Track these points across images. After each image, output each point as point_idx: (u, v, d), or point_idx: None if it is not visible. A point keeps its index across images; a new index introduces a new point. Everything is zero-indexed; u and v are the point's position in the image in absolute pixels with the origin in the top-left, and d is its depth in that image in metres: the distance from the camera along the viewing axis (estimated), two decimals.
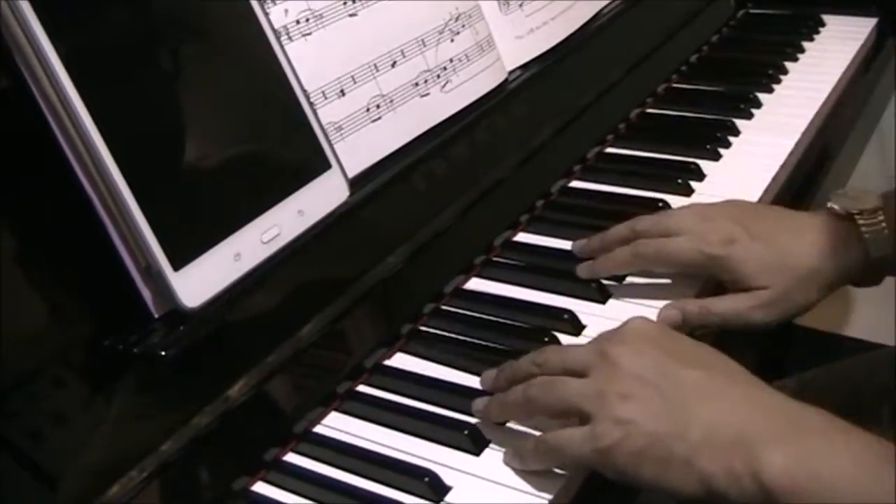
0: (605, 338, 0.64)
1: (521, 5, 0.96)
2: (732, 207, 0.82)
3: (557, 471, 0.63)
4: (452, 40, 0.87)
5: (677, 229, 0.79)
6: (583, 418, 0.60)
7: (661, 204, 0.90)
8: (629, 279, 0.81)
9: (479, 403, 0.68)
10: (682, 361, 0.61)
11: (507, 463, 0.64)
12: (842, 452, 0.55)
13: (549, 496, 0.62)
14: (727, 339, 0.78)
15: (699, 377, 0.60)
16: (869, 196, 0.79)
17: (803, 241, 0.78)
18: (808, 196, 1.04)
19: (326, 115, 0.75)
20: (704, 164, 0.97)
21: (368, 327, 0.76)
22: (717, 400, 0.59)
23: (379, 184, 0.78)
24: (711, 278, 0.80)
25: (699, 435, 0.57)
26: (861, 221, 0.77)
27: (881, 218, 0.77)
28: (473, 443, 0.66)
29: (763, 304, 0.76)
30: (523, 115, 0.93)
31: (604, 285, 0.80)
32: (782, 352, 1.45)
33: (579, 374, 0.62)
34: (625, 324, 0.65)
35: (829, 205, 0.80)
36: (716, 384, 0.60)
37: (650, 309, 0.78)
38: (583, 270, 0.82)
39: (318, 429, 0.69)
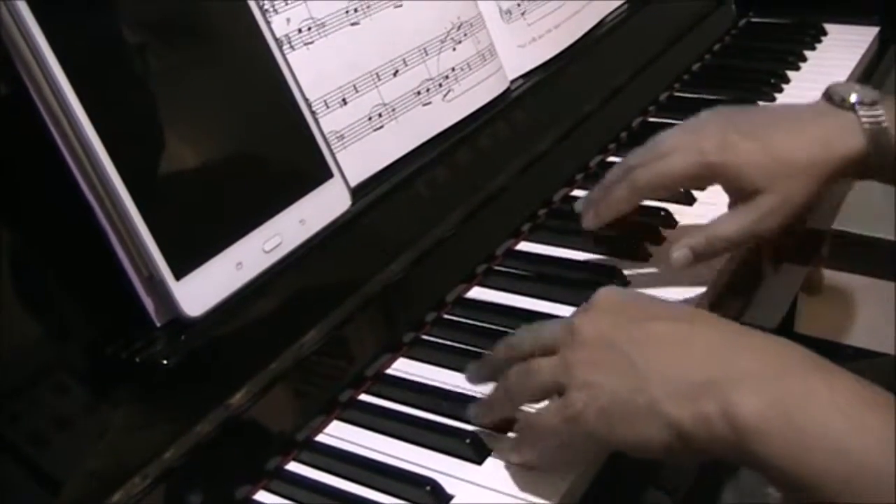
0: (574, 312, 0.63)
1: (523, 14, 0.96)
2: (721, 113, 0.80)
3: (560, 478, 0.63)
4: (454, 49, 0.87)
5: (669, 149, 0.77)
6: (559, 394, 0.60)
7: (662, 212, 0.90)
8: (631, 287, 0.81)
9: (471, 410, 0.67)
10: (649, 318, 0.60)
11: (504, 460, 0.64)
12: (821, 395, 0.52)
13: None
14: None
15: (665, 328, 0.59)
16: (867, 89, 0.77)
17: (801, 133, 0.76)
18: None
19: (328, 123, 0.76)
20: None
21: (370, 336, 0.76)
22: (683, 347, 0.57)
23: (381, 192, 0.78)
24: (712, 185, 0.78)
25: (660, 382, 0.55)
26: (862, 112, 0.75)
27: (881, 112, 0.75)
28: (475, 451, 0.65)
29: (768, 212, 0.74)
30: (525, 123, 0.93)
31: None
32: None
33: (551, 351, 0.61)
34: (594, 295, 0.64)
35: (826, 93, 0.78)
36: (683, 332, 0.58)
37: None
38: (588, 221, 0.80)
39: (319, 437, 0.69)
